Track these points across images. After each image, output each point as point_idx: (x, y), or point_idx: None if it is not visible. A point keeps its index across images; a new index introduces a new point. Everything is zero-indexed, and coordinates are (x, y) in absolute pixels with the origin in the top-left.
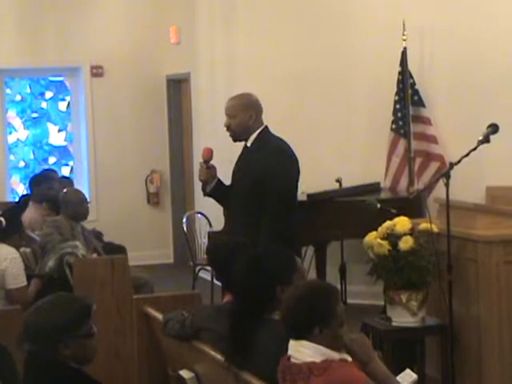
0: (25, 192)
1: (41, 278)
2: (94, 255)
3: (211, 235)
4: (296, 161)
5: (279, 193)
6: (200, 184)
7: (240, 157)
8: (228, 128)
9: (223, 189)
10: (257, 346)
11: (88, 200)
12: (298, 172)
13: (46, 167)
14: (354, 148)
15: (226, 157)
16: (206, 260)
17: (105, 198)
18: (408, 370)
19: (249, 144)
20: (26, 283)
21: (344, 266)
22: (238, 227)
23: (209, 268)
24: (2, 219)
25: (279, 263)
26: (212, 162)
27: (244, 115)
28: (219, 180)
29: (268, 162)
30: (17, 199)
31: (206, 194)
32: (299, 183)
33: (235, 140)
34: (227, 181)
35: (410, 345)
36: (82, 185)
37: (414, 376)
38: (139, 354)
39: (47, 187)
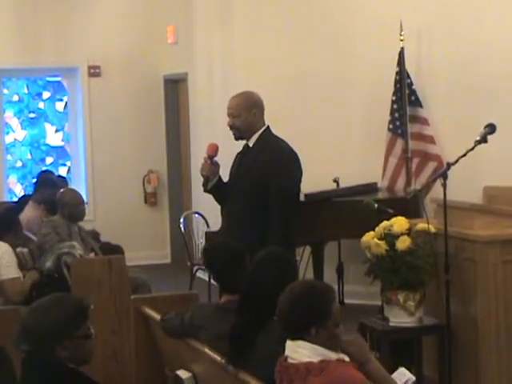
0: (22, 192)
1: (40, 271)
2: (92, 255)
3: (208, 235)
4: (299, 162)
5: (286, 194)
6: (199, 182)
7: (241, 156)
8: (231, 127)
9: (223, 186)
10: (255, 346)
11: (85, 201)
12: (301, 173)
13: (44, 168)
14: (352, 148)
15: (224, 156)
16: (203, 263)
17: (102, 198)
18: (402, 369)
19: (251, 144)
20: (19, 276)
21: (341, 266)
22: (235, 226)
23: None
24: None
25: (294, 263)
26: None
27: (248, 114)
28: (220, 178)
29: (273, 164)
30: (14, 199)
31: (206, 190)
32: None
33: (237, 139)
34: (226, 179)
35: (407, 345)
36: (79, 185)
37: (409, 375)
38: (137, 354)
39: (53, 193)
